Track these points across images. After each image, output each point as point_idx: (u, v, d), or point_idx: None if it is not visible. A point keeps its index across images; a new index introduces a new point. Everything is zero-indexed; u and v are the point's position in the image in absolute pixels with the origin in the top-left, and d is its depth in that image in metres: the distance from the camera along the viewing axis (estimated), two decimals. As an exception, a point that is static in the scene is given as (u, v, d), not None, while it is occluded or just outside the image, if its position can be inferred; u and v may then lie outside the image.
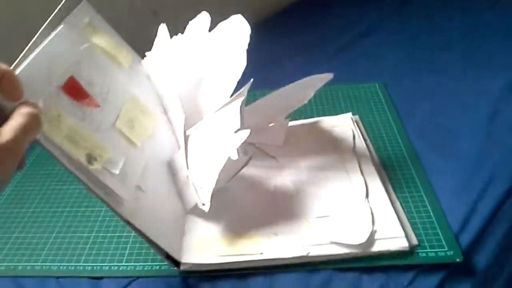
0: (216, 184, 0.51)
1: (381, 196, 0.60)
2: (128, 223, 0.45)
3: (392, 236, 0.54)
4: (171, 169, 0.59)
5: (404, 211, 0.59)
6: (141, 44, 0.66)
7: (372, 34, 1.09)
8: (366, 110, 0.81)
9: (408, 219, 0.58)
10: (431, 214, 0.60)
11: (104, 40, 0.57)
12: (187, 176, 0.55)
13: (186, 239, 0.54)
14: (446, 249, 0.54)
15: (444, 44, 1.01)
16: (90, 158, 0.44)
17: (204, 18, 0.63)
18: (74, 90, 0.46)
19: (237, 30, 0.58)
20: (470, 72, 0.87)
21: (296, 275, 0.53)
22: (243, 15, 0.58)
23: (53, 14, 0.47)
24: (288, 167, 0.66)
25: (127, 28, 0.65)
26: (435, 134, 0.73)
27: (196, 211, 0.57)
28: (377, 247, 0.52)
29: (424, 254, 0.54)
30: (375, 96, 0.86)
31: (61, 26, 0.48)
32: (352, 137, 0.70)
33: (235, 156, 0.53)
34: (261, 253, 0.52)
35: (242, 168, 0.59)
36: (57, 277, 0.57)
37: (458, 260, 0.53)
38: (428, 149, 0.70)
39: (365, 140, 0.70)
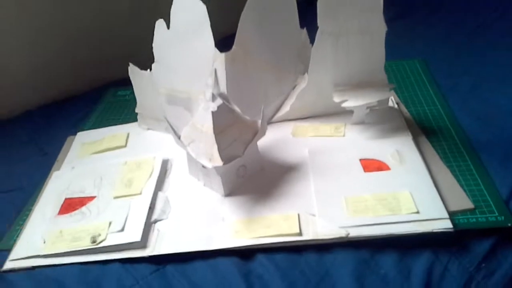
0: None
1: (423, 176, 0.63)
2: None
3: (437, 217, 0.56)
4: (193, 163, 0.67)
5: (455, 178, 0.63)
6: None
7: (411, 12, 1.18)
8: (407, 86, 0.87)
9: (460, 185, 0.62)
10: (479, 181, 0.63)
11: (98, 144, 0.79)
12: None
13: (224, 225, 0.59)
14: (497, 214, 0.58)
15: (481, 22, 1.08)
16: (94, 238, 0.59)
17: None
18: (69, 206, 0.66)
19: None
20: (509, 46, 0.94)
21: (338, 253, 0.56)
22: None
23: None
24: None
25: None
26: (477, 107, 0.79)
27: (234, 195, 0.64)
28: (421, 228, 0.55)
29: (474, 220, 0.57)
30: (416, 72, 0.92)
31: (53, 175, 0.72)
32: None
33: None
34: (300, 234, 0.57)
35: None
36: None
37: (509, 224, 0.56)
38: (471, 121, 0.75)
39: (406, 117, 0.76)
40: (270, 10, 0.71)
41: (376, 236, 0.56)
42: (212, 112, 0.59)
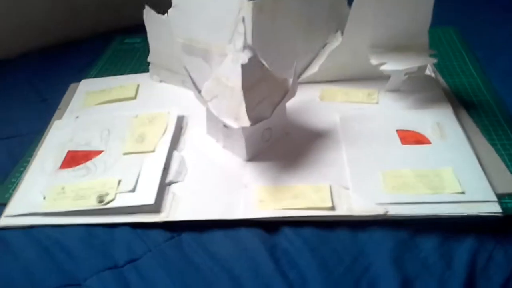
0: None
1: (467, 153, 0.57)
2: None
3: (483, 200, 0.51)
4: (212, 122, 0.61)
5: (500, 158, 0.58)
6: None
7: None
8: (442, 55, 0.80)
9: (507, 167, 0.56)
10: None
11: (105, 94, 0.72)
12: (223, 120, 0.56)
13: (246, 192, 0.54)
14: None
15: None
16: (101, 198, 0.52)
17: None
18: (73, 160, 0.59)
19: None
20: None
21: (374, 232, 0.51)
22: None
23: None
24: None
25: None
26: None
27: (257, 160, 0.58)
28: (466, 210, 0.50)
29: None
30: (451, 41, 0.85)
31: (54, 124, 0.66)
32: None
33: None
34: (333, 208, 0.51)
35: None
36: None
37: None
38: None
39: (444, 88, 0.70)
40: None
41: (417, 216, 0.50)
42: (242, 65, 0.52)
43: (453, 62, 0.78)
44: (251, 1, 0.62)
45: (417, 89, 0.68)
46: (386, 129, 0.61)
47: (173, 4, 0.68)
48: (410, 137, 0.60)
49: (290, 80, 0.58)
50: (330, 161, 0.57)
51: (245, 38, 0.53)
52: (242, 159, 0.58)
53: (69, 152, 0.60)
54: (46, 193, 0.54)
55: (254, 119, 0.53)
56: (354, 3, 0.62)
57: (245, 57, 0.53)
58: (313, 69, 0.71)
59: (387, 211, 0.50)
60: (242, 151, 0.58)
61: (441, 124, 0.61)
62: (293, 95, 0.58)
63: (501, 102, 0.68)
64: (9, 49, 0.87)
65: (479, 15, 0.92)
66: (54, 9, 0.90)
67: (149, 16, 0.69)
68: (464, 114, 0.65)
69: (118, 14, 0.97)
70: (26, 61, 0.86)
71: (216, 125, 0.60)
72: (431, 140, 0.59)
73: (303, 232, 0.50)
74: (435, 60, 0.64)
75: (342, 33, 0.71)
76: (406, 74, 0.65)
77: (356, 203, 0.51)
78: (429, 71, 0.72)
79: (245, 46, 0.53)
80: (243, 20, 0.55)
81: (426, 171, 0.54)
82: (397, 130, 0.61)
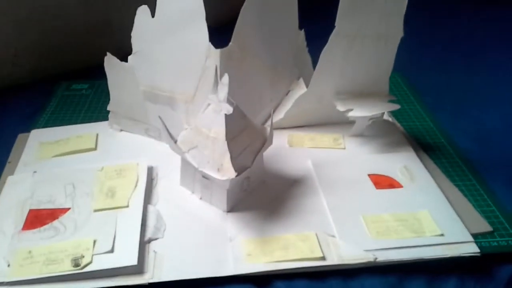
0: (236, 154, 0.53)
1: (437, 195, 0.60)
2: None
3: (462, 241, 0.53)
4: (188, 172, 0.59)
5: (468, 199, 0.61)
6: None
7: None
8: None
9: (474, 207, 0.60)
10: (489, 202, 0.61)
11: (62, 145, 0.67)
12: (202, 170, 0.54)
13: (233, 246, 0.52)
14: (517, 236, 0.55)
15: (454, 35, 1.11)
16: (77, 261, 0.48)
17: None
18: (36, 219, 0.54)
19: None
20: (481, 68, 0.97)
21: (365, 280, 0.51)
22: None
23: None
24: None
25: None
26: (469, 126, 0.78)
27: (237, 211, 0.57)
28: (449, 252, 0.52)
29: (495, 243, 0.55)
30: (398, 86, 0.89)
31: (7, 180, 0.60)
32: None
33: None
34: (323, 258, 0.50)
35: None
36: None
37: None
38: (466, 140, 0.74)
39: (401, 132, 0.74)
40: (271, 5, 0.65)
41: (405, 260, 0.51)
42: (226, 116, 0.51)
43: (404, 106, 0.82)
44: (219, 49, 0.62)
45: (379, 133, 0.70)
46: (358, 174, 0.62)
47: (133, 51, 0.66)
48: (383, 182, 0.61)
49: (268, 128, 0.58)
50: (310, 208, 0.57)
51: (227, 91, 0.52)
52: (222, 211, 0.56)
53: (30, 211, 0.55)
54: (10, 259, 0.49)
55: (238, 169, 0.52)
56: (323, 52, 0.63)
57: (229, 108, 0.52)
58: (279, 115, 0.71)
59: (376, 258, 0.51)
60: (222, 202, 0.56)
61: (408, 167, 0.64)
62: (270, 143, 0.58)
63: (454, 144, 0.72)
64: None
65: (420, 59, 0.98)
66: None
67: (111, 63, 0.66)
68: (425, 156, 0.68)
69: (60, 58, 0.92)
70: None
71: (193, 176, 0.58)
72: (402, 183, 0.61)
73: (296, 285, 0.49)
74: (398, 106, 0.67)
75: (304, 80, 0.73)
76: (370, 119, 0.68)
77: (345, 251, 0.51)
78: (386, 116, 0.75)
79: (228, 97, 0.52)
80: (216, 69, 0.54)
81: (405, 215, 0.56)
82: (369, 175, 0.62)
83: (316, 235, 0.53)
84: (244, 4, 0.61)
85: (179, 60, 0.64)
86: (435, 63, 0.99)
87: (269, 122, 0.58)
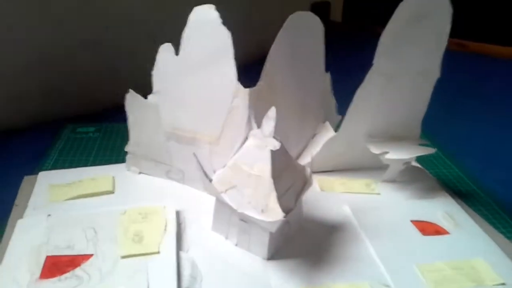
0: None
1: (487, 241, 0.57)
2: None
3: None
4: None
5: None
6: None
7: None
8: None
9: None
10: None
11: (75, 188, 0.61)
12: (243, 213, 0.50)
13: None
14: None
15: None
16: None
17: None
18: (55, 267, 0.47)
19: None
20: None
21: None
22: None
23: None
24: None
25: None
26: (500, 174, 0.76)
27: (277, 258, 0.51)
28: None
29: None
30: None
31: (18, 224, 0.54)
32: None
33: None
34: None
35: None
36: None
37: None
38: (498, 186, 0.72)
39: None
40: (300, 44, 0.63)
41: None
42: (272, 152, 0.48)
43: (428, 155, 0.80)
44: (248, 89, 0.59)
45: (411, 179, 0.67)
46: (400, 220, 0.59)
47: (154, 90, 0.63)
48: (428, 228, 0.58)
49: (308, 169, 0.54)
50: (357, 255, 0.53)
51: (274, 125, 0.49)
52: (262, 258, 0.51)
53: (48, 257, 0.48)
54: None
55: (283, 209, 0.48)
56: (358, 91, 0.61)
57: (276, 143, 0.48)
58: (306, 159, 0.68)
59: (440, 310, 0.46)
60: (263, 248, 0.51)
61: (450, 213, 0.60)
62: (310, 185, 0.54)
63: (488, 191, 0.69)
64: None
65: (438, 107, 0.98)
66: None
67: (133, 100, 0.62)
68: (461, 203, 0.65)
69: (65, 102, 0.88)
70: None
71: (228, 220, 0.53)
72: (448, 230, 0.57)
73: None
74: (434, 150, 0.64)
75: (330, 123, 0.70)
76: (405, 163, 0.65)
77: (404, 302, 0.46)
78: (413, 163, 0.73)
79: (274, 133, 0.49)
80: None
81: (460, 263, 0.52)
82: (412, 221, 0.58)
83: (370, 285, 0.48)
84: (274, 42, 0.59)
85: (204, 99, 0.61)
86: (453, 110, 0.98)
87: (307, 162, 0.55)
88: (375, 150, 0.64)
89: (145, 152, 0.65)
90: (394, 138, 0.66)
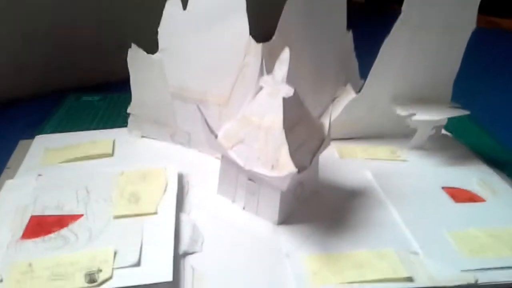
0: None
1: None
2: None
3: None
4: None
5: None
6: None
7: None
8: None
9: None
10: None
11: (72, 151, 0.57)
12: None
13: (292, 263, 0.40)
14: None
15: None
16: (92, 276, 0.36)
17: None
18: (39, 227, 0.43)
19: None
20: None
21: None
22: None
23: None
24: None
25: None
26: None
27: (289, 223, 0.46)
28: None
29: None
30: None
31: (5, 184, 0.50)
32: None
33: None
34: (410, 279, 0.39)
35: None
36: None
37: None
38: None
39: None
40: (318, 1, 0.57)
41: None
42: (284, 99, 0.42)
43: (459, 125, 0.73)
44: (261, 44, 0.53)
45: (440, 147, 0.61)
46: (430, 187, 0.52)
47: (160, 48, 0.58)
48: (462, 195, 0.51)
49: (326, 125, 0.48)
50: (380, 221, 0.47)
51: (287, 69, 0.43)
52: (272, 222, 0.46)
53: (32, 217, 0.44)
54: (4, 272, 0.37)
55: (296, 166, 0.42)
56: (384, 44, 0.55)
57: (289, 89, 0.42)
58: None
59: (477, 279, 0.40)
60: (273, 211, 0.45)
61: (485, 180, 0.54)
62: (328, 144, 0.48)
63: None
64: None
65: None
66: None
67: (136, 56, 0.57)
68: (497, 171, 0.58)
69: (70, 73, 0.84)
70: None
71: (235, 180, 0.47)
72: (483, 197, 0.51)
73: (377, 313, 0.38)
74: (467, 112, 0.58)
75: (352, 86, 0.64)
76: (433, 128, 0.58)
77: (436, 271, 0.40)
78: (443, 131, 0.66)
79: (286, 78, 0.43)
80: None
81: (497, 231, 0.45)
82: (442, 188, 0.52)
83: (396, 251, 0.42)
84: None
85: (213, 57, 0.55)
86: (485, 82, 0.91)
87: (327, 118, 0.49)
88: (401, 111, 0.58)
89: (149, 114, 0.60)
90: (422, 100, 0.60)
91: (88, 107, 0.75)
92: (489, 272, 0.40)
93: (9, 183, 0.49)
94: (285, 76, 0.43)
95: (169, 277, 0.37)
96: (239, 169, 0.45)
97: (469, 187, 0.53)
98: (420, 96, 0.60)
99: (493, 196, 0.51)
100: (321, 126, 0.48)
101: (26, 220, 0.43)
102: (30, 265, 0.38)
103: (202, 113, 0.46)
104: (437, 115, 0.56)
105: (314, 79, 0.62)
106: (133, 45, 0.57)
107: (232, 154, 0.45)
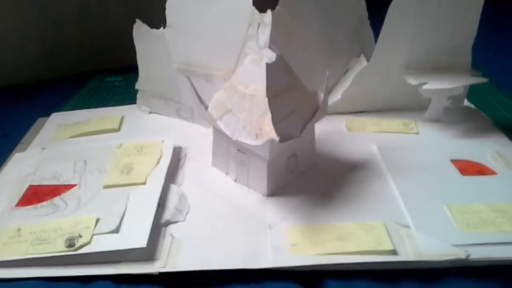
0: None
1: None
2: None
3: None
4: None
5: None
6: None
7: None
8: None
9: None
10: None
11: (81, 127, 0.59)
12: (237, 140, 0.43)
13: (273, 234, 0.40)
14: None
15: None
16: (72, 241, 0.38)
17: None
18: (34, 196, 0.45)
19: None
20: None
21: (453, 284, 0.37)
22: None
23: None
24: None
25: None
26: None
27: (280, 195, 0.45)
28: None
29: None
30: None
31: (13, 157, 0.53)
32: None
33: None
34: (394, 252, 0.37)
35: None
36: None
37: None
38: None
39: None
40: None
41: (506, 259, 0.37)
42: (267, 64, 0.41)
43: (486, 96, 0.69)
44: (263, 14, 0.52)
45: (459, 119, 0.57)
46: (438, 160, 0.50)
47: (167, 23, 0.58)
48: (471, 168, 0.48)
49: (321, 95, 0.46)
50: (376, 194, 0.45)
51: (270, 33, 0.42)
52: (261, 194, 0.45)
53: (30, 186, 0.46)
54: (-3, 238, 0.39)
55: (282, 135, 0.41)
56: (390, 8, 0.52)
57: (271, 54, 0.41)
58: (335, 97, 0.60)
59: (468, 255, 0.37)
60: (262, 183, 0.44)
61: (500, 152, 0.50)
62: (324, 114, 0.47)
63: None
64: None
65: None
66: (26, 49, 0.79)
67: (140, 31, 0.58)
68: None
69: (96, 56, 0.86)
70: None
71: (226, 152, 0.47)
72: (495, 170, 0.48)
73: (355, 286, 0.36)
74: (485, 79, 0.54)
75: (366, 57, 0.61)
76: (449, 98, 0.55)
77: (424, 245, 0.38)
78: (466, 103, 0.62)
79: (270, 44, 0.42)
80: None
81: (503, 206, 0.42)
82: (451, 160, 0.49)
83: (384, 224, 0.40)
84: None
85: (218, 31, 0.55)
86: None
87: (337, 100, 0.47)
88: (412, 81, 0.55)
89: (155, 89, 0.61)
90: (438, 69, 0.56)
91: (110, 87, 0.77)
92: (484, 247, 0.38)
93: (16, 155, 0.52)
94: (268, 40, 0.42)
95: (143, 244, 0.37)
96: (229, 139, 0.44)
97: (481, 160, 0.49)
98: (436, 64, 0.56)
99: (506, 169, 0.48)
100: (314, 95, 0.46)
101: (24, 189, 0.45)
102: (18, 230, 0.40)
103: (191, 84, 0.46)
104: (449, 84, 0.53)
105: (326, 50, 0.60)
106: (138, 21, 0.57)
107: (221, 125, 0.44)
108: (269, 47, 0.42)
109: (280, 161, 0.44)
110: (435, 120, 0.57)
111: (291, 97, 0.43)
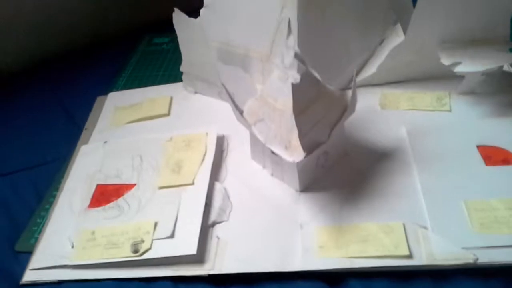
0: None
1: None
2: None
3: None
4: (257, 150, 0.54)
5: None
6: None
7: None
8: None
9: None
10: None
11: (136, 110, 0.65)
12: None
13: (303, 235, 0.46)
14: None
15: None
16: (136, 246, 0.45)
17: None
18: (103, 196, 0.52)
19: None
20: None
21: (461, 285, 0.42)
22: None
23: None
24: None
25: None
26: None
27: (312, 190, 0.50)
28: None
29: None
30: None
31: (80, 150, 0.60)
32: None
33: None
34: (410, 256, 0.42)
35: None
36: None
37: None
38: None
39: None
40: None
41: (513, 263, 0.41)
42: (293, 85, 0.44)
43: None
44: None
45: (495, 90, 0.58)
46: (464, 145, 0.52)
47: (205, 4, 0.60)
48: (496, 155, 0.50)
49: (349, 94, 0.49)
50: (400, 190, 0.49)
51: (294, 53, 0.44)
52: (295, 190, 0.50)
53: (98, 186, 0.54)
54: (75, 239, 0.48)
55: (308, 146, 0.45)
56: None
57: (296, 75, 0.44)
58: (371, 70, 0.62)
59: (476, 259, 0.41)
60: (294, 181, 0.50)
61: (530, 134, 0.51)
62: (352, 111, 0.49)
63: None
64: (24, 57, 0.80)
65: None
66: (81, 4, 0.82)
67: (179, 20, 0.60)
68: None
69: (146, 10, 0.89)
70: (47, 70, 0.80)
71: (262, 151, 0.52)
72: (521, 157, 0.50)
73: (375, 286, 0.42)
74: (519, 57, 0.53)
75: (402, 26, 0.61)
76: (483, 74, 0.55)
77: (438, 248, 0.43)
78: (506, 68, 0.61)
79: (296, 62, 0.44)
80: (289, 27, 0.46)
81: (519, 202, 0.45)
82: (477, 146, 0.51)
83: (404, 226, 0.45)
84: None
85: (253, 12, 0.56)
86: None
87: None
88: (446, 60, 0.55)
89: (198, 72, 0.64)
90: (474, 42, 0.56)
91: (158, 51, 0.81)
92: (493, 251, 0.42)
93: (82, 148, 0.60)
94: (293, 62, 0.44)
95: (193, 251, 0.44)
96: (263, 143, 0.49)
97: (509, 146, 0.51)
98: (472, 37, 0.56)
99: (532, 156, 0.49)
100: (341, 96, 0.49)
101: (93, 189, 0.53)
102: (93, 233, 0.48)
103: (227, 91, 0.50)
104: (483, 65, 0.53)
105: (360, 23, 0.60)
106: (176, 10, 0.60)
107: (255, 131, 0.49)
108: (296, 55, 0.44)
109: (311, 162, 0.49)
110: (470, 92, 0.58)
111: (318, 107, 0.47)
